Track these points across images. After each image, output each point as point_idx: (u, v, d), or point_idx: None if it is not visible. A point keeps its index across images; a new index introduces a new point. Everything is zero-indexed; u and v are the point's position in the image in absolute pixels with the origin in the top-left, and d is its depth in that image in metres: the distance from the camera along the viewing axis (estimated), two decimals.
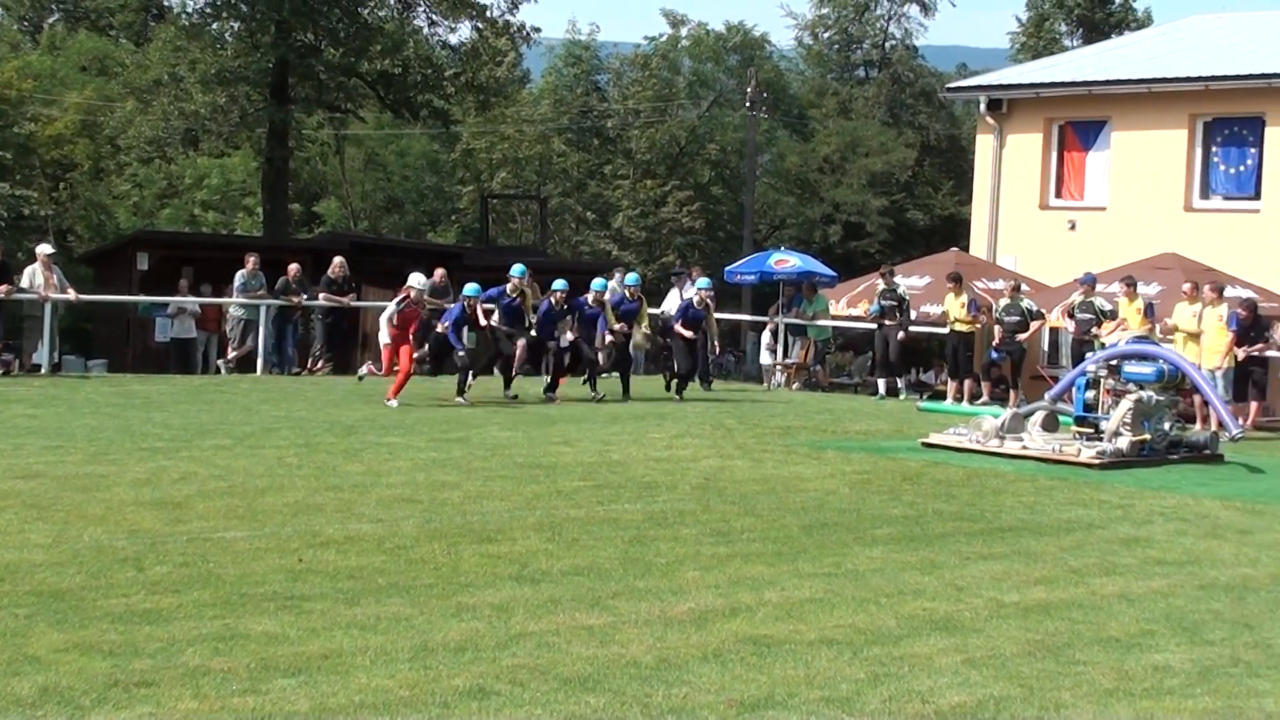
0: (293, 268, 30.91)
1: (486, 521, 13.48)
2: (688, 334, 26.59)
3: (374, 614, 9.84)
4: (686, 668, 8.86)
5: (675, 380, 26.65)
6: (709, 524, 13.81)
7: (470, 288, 24.54)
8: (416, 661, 8.77)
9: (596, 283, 26.79)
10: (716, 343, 29.33)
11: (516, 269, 25.83)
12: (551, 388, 25.66)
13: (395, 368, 23.97)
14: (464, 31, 53.70)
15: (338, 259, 31.62)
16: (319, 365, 30.94)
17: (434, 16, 52.48)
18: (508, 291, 25.45)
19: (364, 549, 11.94)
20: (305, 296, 30.83)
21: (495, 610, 10.06)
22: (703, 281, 27.85)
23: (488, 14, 52.27)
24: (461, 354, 24.38)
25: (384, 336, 24.36)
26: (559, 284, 26.16)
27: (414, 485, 15.32)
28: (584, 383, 25.95)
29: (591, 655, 9.04)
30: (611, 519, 13.87)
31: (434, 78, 52.26)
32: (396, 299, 24.38)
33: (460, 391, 24.07)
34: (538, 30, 55.67)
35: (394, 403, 22.90)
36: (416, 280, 24.83)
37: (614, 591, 10.83)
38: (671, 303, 32.37)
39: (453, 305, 25.49)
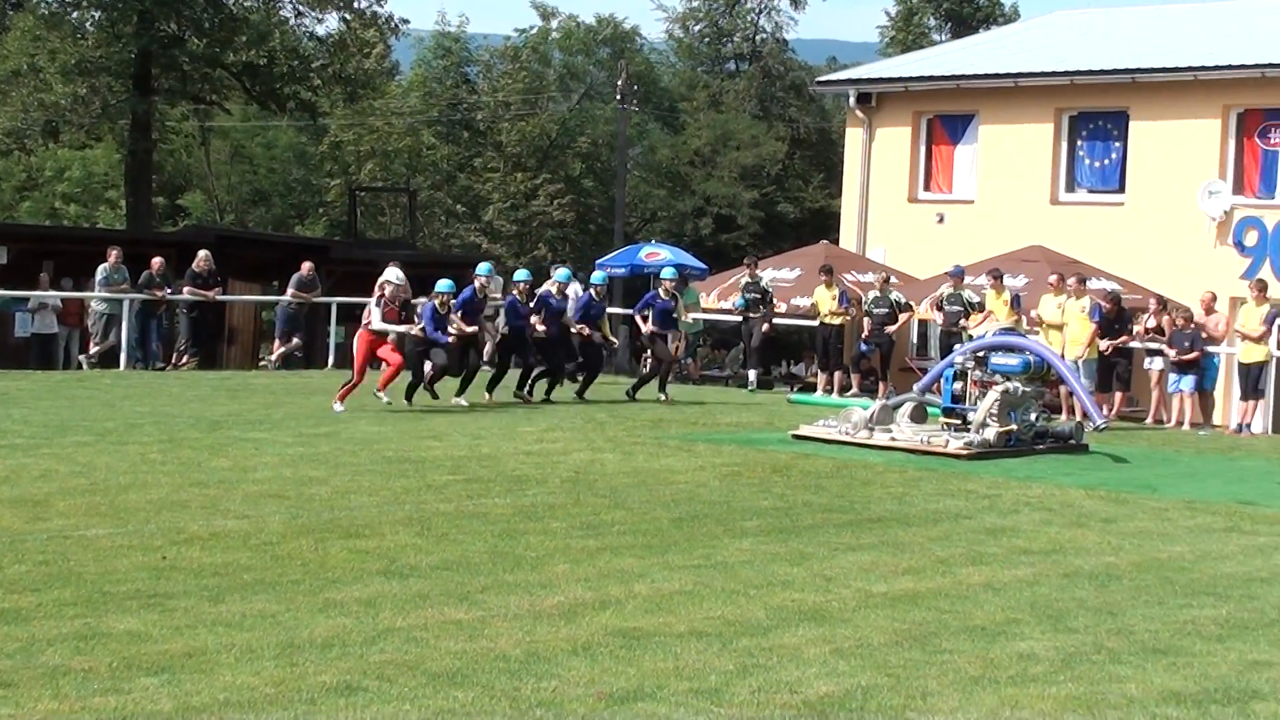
0: (156, 261, 30.56)
1: (354, 517, 13.43)
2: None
3: (239, 611, 9.76)
4: (555, 661, 8.86)
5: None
6: (579, 517, 13.83)
7: (443, 284, 23.49)
8: (283, 659, 8.69)
9: (561, 273, 26.51)
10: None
11: (482, 268, 25.02)
12: (522, 385, 24.84)
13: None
14: (331, 23, 53.70)
15: (202, 252, 31.32)
16: (184, 360, 30.61)
17: (300, 7, 52.36)
18: (476, 291, 24.50)
19: (229, 545, 11.85)
20: (169, 290, 30.59)
21: (363, 606, 10.02)
22: (562, 273, 27.05)
23: (355, 5, 52.24)
24: (441, 351, 23.32)
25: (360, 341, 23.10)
26: (521, 274, 25.76)
27: (281, 481, 15.22)
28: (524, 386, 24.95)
29: (460, 650, 9.02)
30: (481, 513, 13.86)
31: (301, 69, 52.13)
32: (374, 297, 23.44)
33: (460, 392, 23.50)
34: (406, 22, 55.67)
35: (384, 396, 22.24)
36: (393, 275, 24.20)
37: (483, 586, 10.81)
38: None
39: (423, 304, 24.34)
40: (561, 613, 10.06)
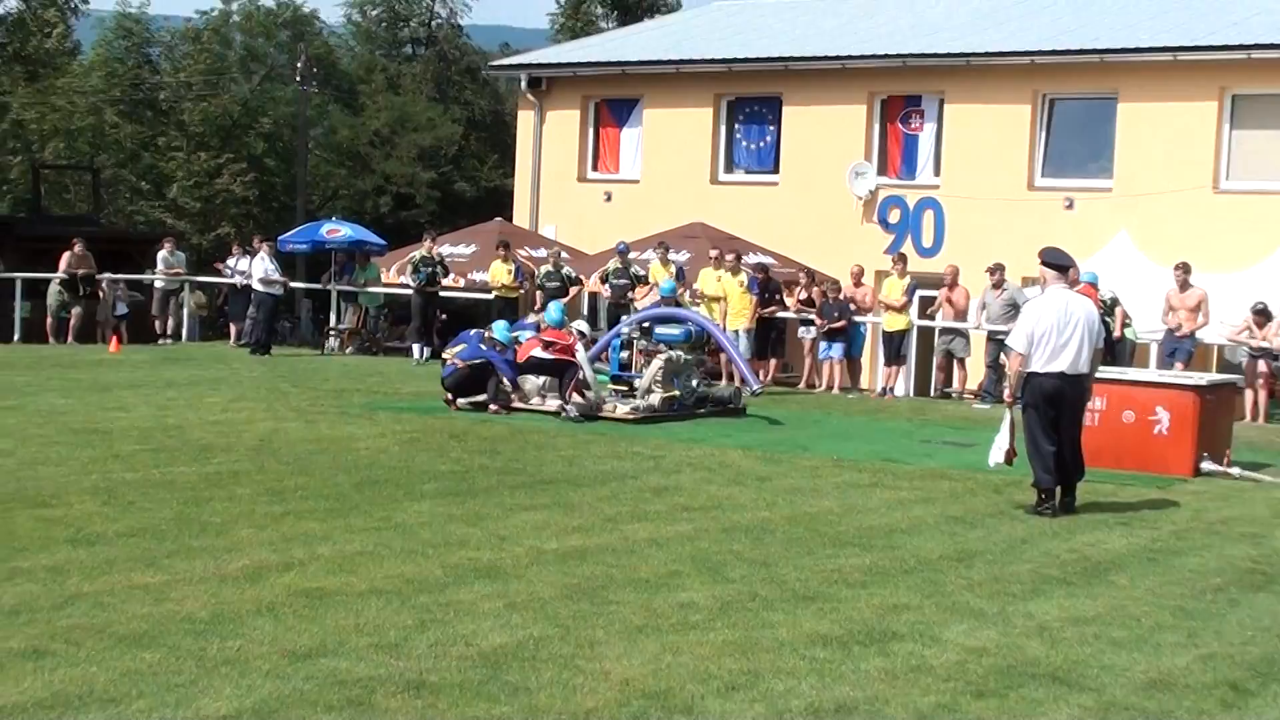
0: None
1: (41, 487, 13.07)
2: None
3: None
4: (241, 621, 8.76)
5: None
6: (264, 484, 13.66)
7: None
8: None
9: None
10: None
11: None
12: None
13: None
14: (10, 2, 51.66)
15: None
16: None
17: None
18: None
19: None
20: None
21: (50, 573, 9.76)
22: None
23: None
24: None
25: None
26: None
27: None
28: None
29: (147, 613, 8.85)
30: (167, 481, 13.61)
31: None
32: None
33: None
34: (86, 2, 54.02)
35: None
36: None
37: (170, 551, 10.61)
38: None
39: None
40: (247, 575, 9.93)
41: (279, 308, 32.43)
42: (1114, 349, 24.25)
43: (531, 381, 20.85)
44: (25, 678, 7.50)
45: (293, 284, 41.03)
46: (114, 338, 31.03)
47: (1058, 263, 14.52)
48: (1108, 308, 24.61)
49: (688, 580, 10.32)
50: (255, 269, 30.90)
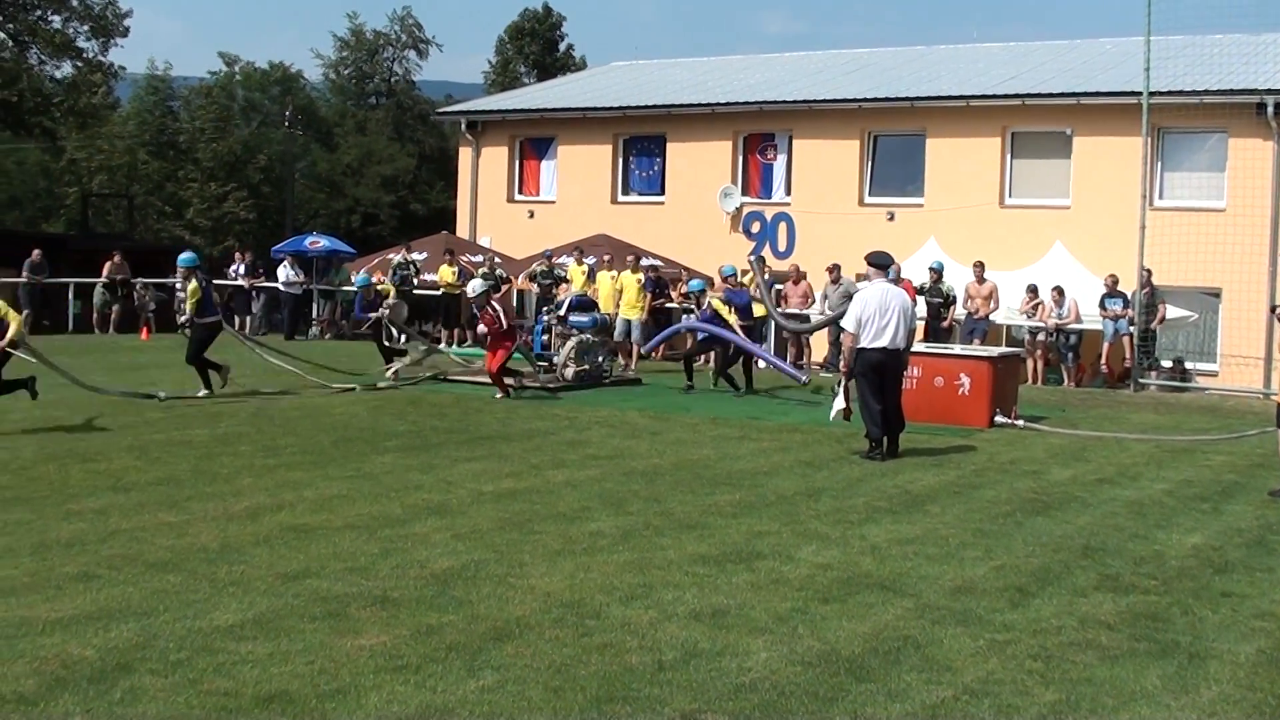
0: None
1: (89, 446, 13.01)
2: None
3: (0, 520, 9.38)
4: (243, 551, 8.68)
5: None
6: (260, 442, 13.52)
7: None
8: (36, 555, 8.42)
9: (694, 284, 22.18)
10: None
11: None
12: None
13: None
14: (66, 68, 52.63)
15: None
16: None
17: (43, 56, 51.25)
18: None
19: None
20: None
21: (96, 514, 9.72)
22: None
23: (85, 56, 51.33)
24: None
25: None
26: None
27: (33, 420, 14.57)
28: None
29: (171, 545, 8.79)
30: (186, 441, 13.47)
31: (43, 104, 51.12)
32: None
33: None
34: (124, 69, 55.90)
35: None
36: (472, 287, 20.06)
37: (188, 496, 10.54)
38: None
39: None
40: (248, 514, 9.83)
41: (299, 305, 32.05)
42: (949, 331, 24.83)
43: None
44: (78, 596, 7.47)
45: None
46: (145, 328, 30.77)
47: (880, 262, 14.64)
48: (945, 301, 24.90)
49: (596, 514, 10.29)
50: (280, 275, 30.85)
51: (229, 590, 7.68)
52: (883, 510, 10.87)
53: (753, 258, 25.19)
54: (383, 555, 8.63)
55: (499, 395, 18.39)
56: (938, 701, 6.16)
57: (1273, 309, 23.30)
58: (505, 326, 18.68)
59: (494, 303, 19.00)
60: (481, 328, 18.75)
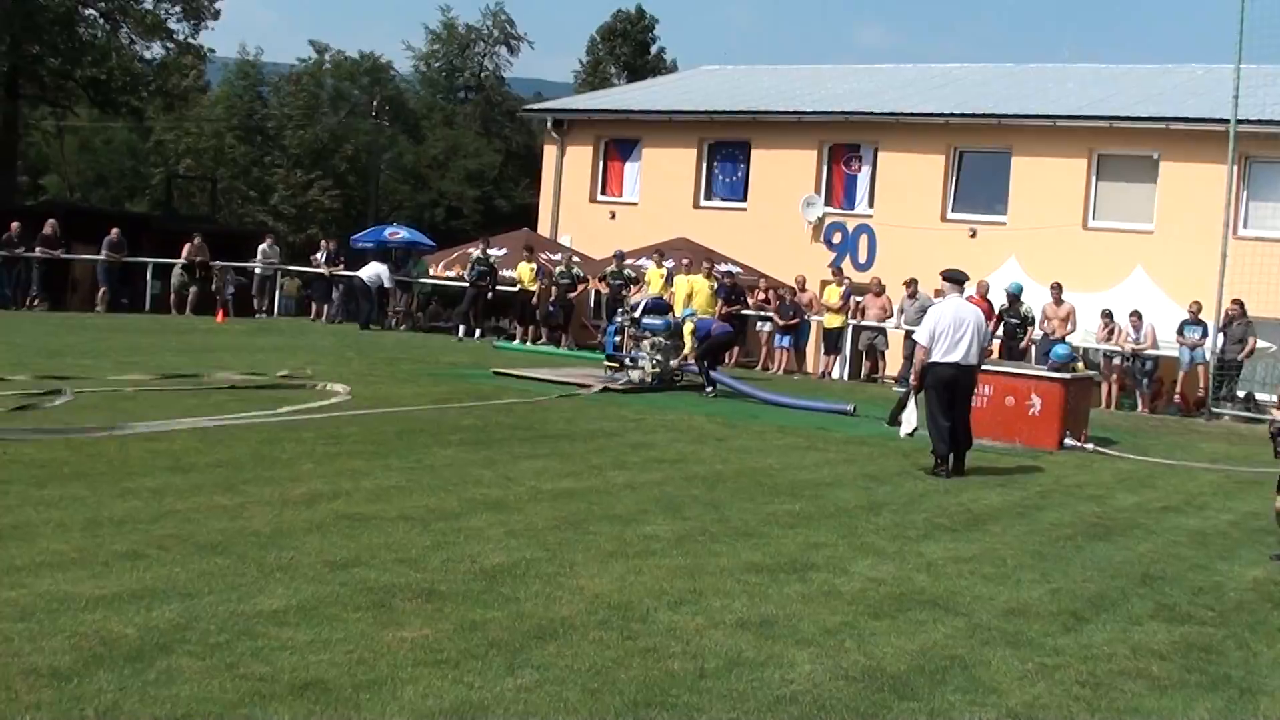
0: (14, 225, 30.00)
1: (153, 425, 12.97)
2: None
3: (57, 495, 9.36)
4: (295, 537, 8.62)
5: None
6: (324, 429, 13.51)
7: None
8: (87, 531, 8.37)
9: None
10: None
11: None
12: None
13: None
14: (156, 49, 53.43)
15: (50, 220, 30.91)
16: (35, 303, 29.83)
17: (134, 36, 51.99)
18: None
19: (54, 446, 11.32)
20: (24, 249, 29.99)
21: (151, 493, 9.64)
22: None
23: (175, 36, 52.16)
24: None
25: None
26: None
27: (94, 396, 14.62)
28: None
29: (223, 527, 8.73)
30: (249, 425, 13.45)
31: (132, 84, 51.85)
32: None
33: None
34: (213, 51, 56.49)
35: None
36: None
37: (246, 479, 10.47)
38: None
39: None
40: (304, 500, 9.79)
41: (383, 298, 31.90)
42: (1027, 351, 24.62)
43: None
44: (125, 574, 7.42)
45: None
46: (221, 311, 31.05)
47: (954, 278, 14.49)
48: (1023, 321, 24.67)
49: (653, 517, 10.19)
50: (365, 274, 30.86)
51: (276, 575, 7.64)
52: (942, 528, 10.70)
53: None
54: (434, 548, 8.59)
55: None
56: None
57: None
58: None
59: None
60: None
